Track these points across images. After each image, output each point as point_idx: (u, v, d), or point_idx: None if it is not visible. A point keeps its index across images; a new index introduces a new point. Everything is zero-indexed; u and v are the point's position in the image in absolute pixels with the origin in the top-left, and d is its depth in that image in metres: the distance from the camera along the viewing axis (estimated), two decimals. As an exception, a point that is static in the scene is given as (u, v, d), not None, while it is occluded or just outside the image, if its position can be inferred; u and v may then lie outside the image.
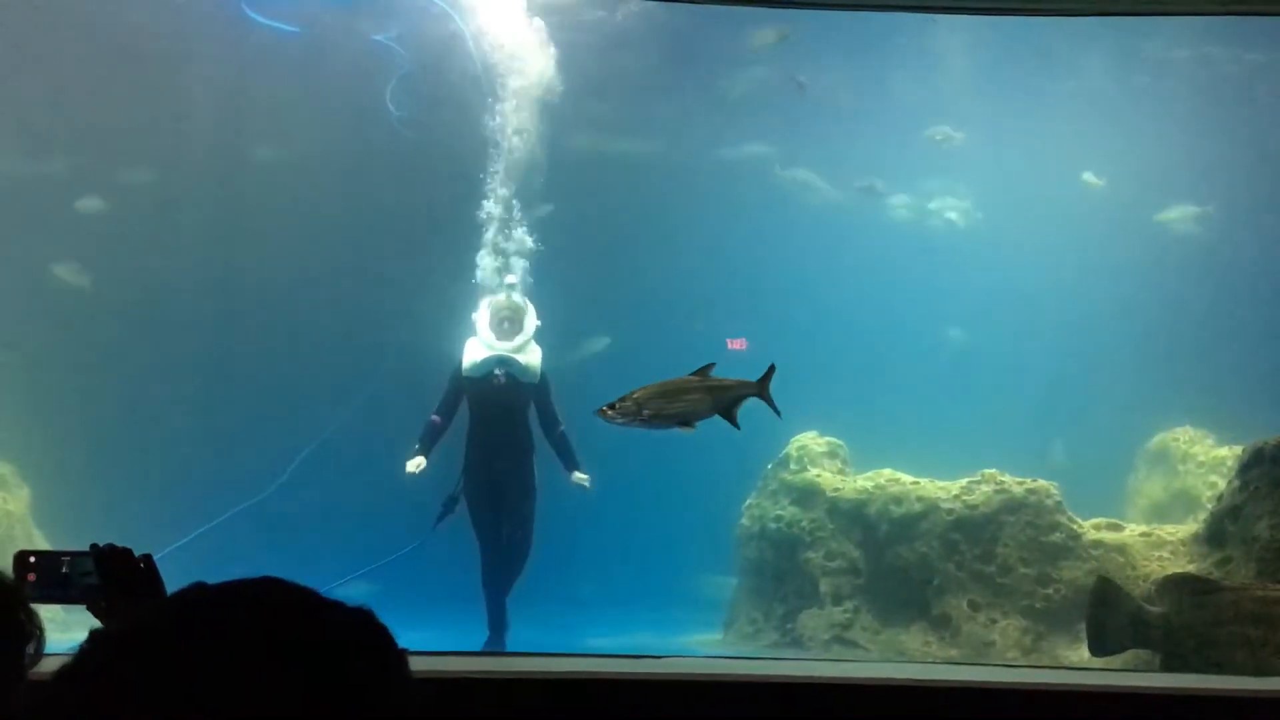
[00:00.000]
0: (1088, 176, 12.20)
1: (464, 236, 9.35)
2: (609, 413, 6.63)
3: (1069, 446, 11.26)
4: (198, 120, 11.16)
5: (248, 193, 11.28)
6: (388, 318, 10.80)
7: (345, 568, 8.38)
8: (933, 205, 12.70)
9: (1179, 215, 12.13)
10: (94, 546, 2.39)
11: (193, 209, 11.32)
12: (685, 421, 6.72)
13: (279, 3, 10.15)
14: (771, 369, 6.64)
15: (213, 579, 1.31)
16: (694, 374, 6.67)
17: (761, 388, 6.72)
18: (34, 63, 10.81)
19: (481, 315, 8.29)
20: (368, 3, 10.55)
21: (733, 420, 6.76)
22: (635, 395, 6.70)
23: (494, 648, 8.00)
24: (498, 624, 8.25)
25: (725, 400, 6.66)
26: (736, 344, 12.16)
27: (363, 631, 1.26)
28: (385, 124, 10.18)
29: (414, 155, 10.08)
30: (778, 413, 6.67)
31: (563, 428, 8.30)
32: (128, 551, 2.39)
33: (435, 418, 8.27)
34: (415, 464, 8.16)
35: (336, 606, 1.26)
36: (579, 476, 8.22)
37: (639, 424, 6.71)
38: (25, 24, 10.54)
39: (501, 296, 8.44)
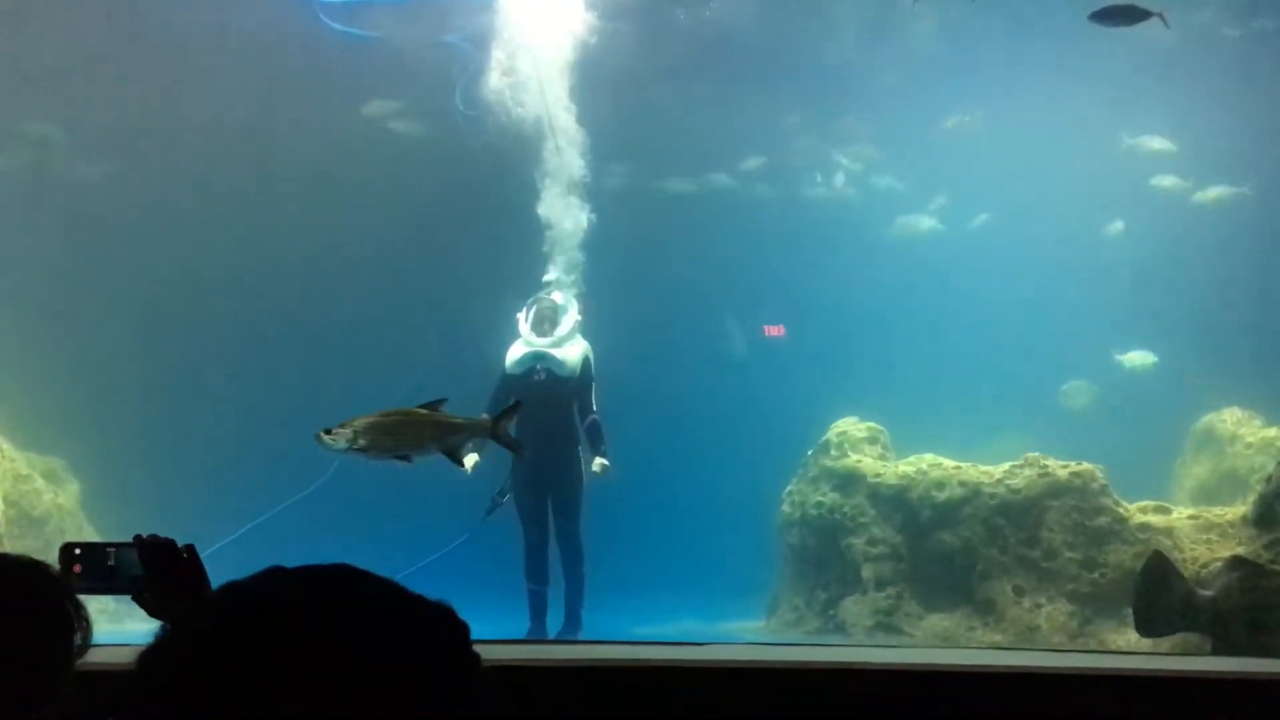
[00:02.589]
0: (1137, 141, 11.98)
1: (513, 236, 9.43)
2: (324, 438, 6.28)
3: (1122, 434, 11.02)
4: (276, 118, 11.28)
5: (302, 191, 11.38)
6: (436, 314, 10.89)
7: (393, 561, 8.42)
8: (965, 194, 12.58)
9: (1225, 194, 11.91)
10: (137, 538, 2.42)
11: (248, 208, 11.44)
12: (404, 456, 6.40)
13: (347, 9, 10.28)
14: (516, 406, 6.44)
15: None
16: (423, 406, 6.36)
17: (496, 428, 6.46)
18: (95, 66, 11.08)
19: (524, 315, 8.45)
20: (430, 5, 10.60)
21: (458, 460, 6.51)
22: (355, 423, 6.35)
23: (536, 636, 8.06)
24: (539, 613, 8.32)
25: (451, 438, 6.38)
26: (774, 330, 12.15)
27: (448, 625, 1.24)
28: (450, 124, 10.17)
29: (471, 155, 10.09)
30: (516, 451, 6.43)
31: (595, 416, 8.39)
32: (171, 543, 2.42)
33: (485, 417, 8.30)
34: (471, 461, 8.02)
35: (421, 599, 1.24)
36: (599, 462, 8.22)
37: (355, 453, 6.32)
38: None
39: (542, 295, 8.55)
